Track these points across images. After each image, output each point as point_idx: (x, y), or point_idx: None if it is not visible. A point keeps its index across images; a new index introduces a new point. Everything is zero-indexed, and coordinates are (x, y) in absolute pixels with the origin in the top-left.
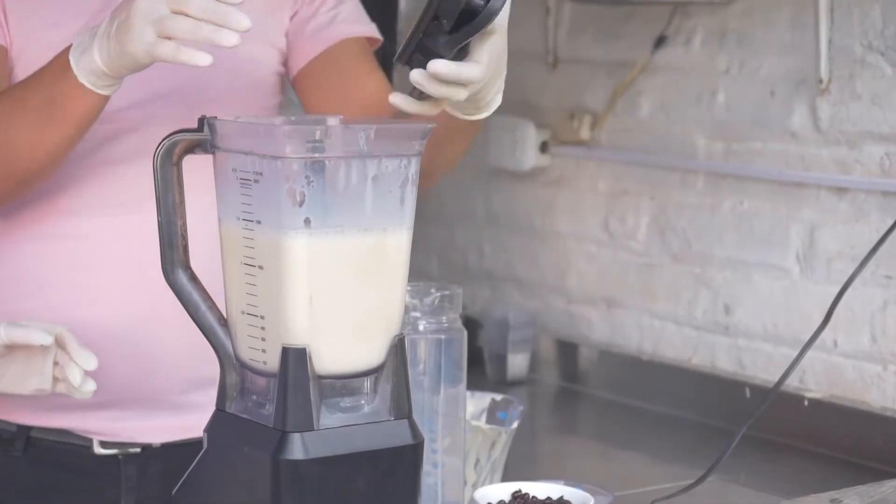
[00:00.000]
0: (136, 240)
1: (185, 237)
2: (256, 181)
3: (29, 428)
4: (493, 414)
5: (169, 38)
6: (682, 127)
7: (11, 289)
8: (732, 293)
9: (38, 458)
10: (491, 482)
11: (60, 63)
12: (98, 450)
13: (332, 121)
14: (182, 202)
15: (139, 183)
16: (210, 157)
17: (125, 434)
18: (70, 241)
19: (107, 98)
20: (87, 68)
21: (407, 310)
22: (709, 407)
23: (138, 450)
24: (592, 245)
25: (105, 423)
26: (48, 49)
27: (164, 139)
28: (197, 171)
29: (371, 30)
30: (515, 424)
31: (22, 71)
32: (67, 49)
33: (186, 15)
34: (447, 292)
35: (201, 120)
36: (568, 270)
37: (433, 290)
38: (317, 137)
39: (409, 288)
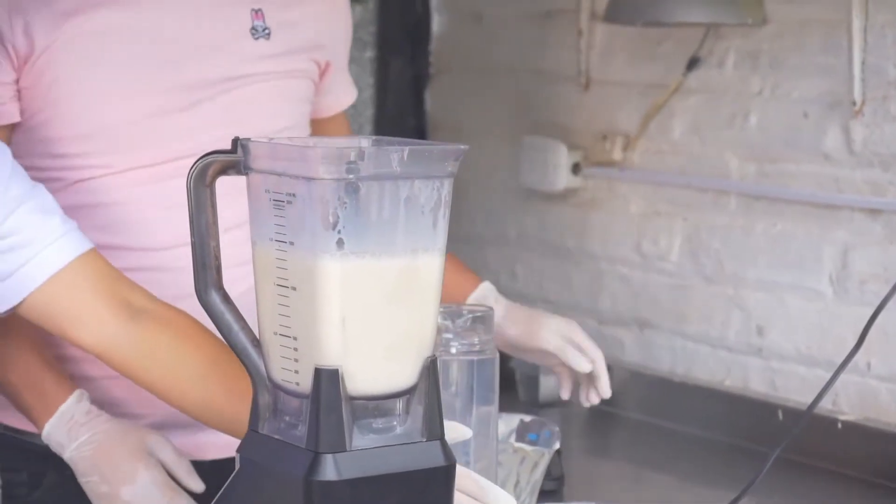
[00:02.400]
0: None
1: (217, 258)
2: (290, 202)
3: None
4: (522, 435)
5: None
6: (714, 148)
7: None
8: (765, 315)
9: None
10: None
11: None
12: None
13: (365, 142)
14: (215, 223)
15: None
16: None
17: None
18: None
19: None
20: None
21: (439, 331)
22: (741, 429)
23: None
24: (625, 266)
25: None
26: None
27: (197, 160)
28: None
29: (353, 94)
30: (557, 445)
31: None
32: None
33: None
34: (479, 314)
35: (235, 141)
36: (600, 292)
37: (465, 312)
38: (351, 159)
39: (441, 309)
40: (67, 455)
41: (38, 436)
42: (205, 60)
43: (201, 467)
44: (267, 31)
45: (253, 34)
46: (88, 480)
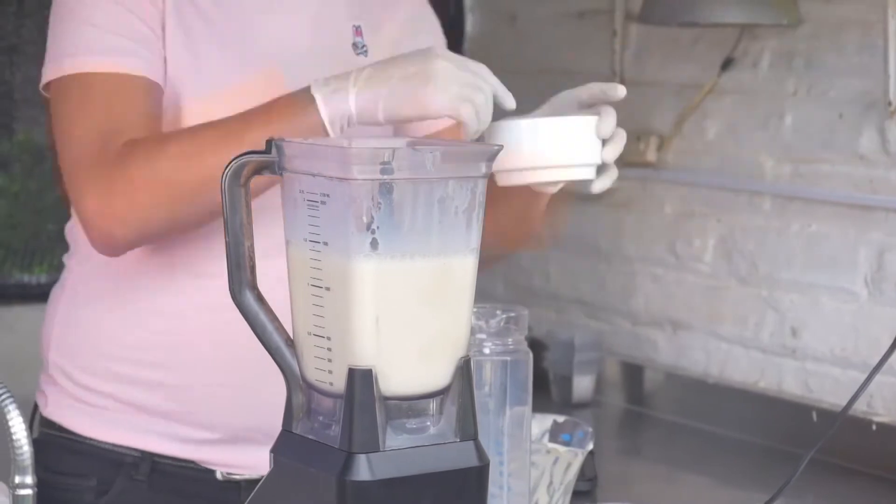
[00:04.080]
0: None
1: (252, 258)
2: (324, 203)
3: (153, 454)
4: (555, 435)
5: (469, 101)
6: (749, 149)
7: (136, 322)
8: (800, 316)
9: (161, 483)
10: None
11: (293, 102)
12: (220, 477)
13: (399, 143)
14: (250, 223)
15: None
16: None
17: (246, 466)
18: (197, 276)
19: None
20: (336, 109)
21: (473, 332)
22: (775, 430)
23: (259, 476)
24: (659, 267)
25: (227, 455)
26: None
27: (232, 160)
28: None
29: None
30: (591, 446)
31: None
32: (300, 92)
33: (481, 89)
34: (513, 314)
35: (269, 142)
36: (634, 293)
37: (499, 312)
38: (384, 159)
39: (475, 310)
40: None
41: (107, 443)
42: (310, 68)
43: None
44: (365, 49)
45: (354, 49)
46: None
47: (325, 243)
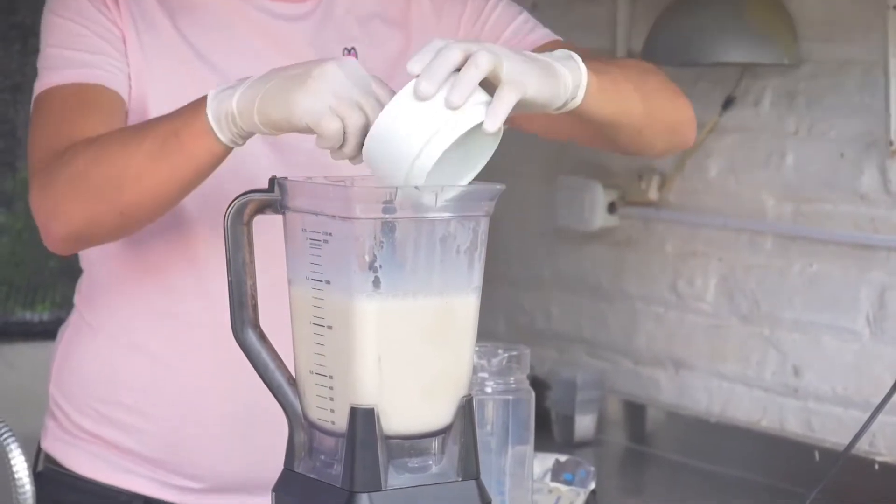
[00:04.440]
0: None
1: (254, 297)
2: (326, 241)
3: (145, 497)
4: (558, 475)
5: (339, 118)
6: (751, 188)
7: (126, 364)
8: (802, 355)
9: None
10: None
11: (197, 100)
12: None
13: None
14: (252, 262)
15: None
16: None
17: None
18: (186, 323)
19: (227, 150)
20: (220, 107)
21: (475, 370)
22: (778, 470)
23: None
24: (660, 306)
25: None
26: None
27: (234, 199)
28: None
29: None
30: (593, 485)
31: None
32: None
33: (364, 112)
34: (515, 353)
35: (272, 180)
36: (636, 331)
37: (501, 351)
38: (387, 199)
39: (476, 349)
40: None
41: (100, 482)
42: None
43: None
44: None
45: None
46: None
47: (328, 282)
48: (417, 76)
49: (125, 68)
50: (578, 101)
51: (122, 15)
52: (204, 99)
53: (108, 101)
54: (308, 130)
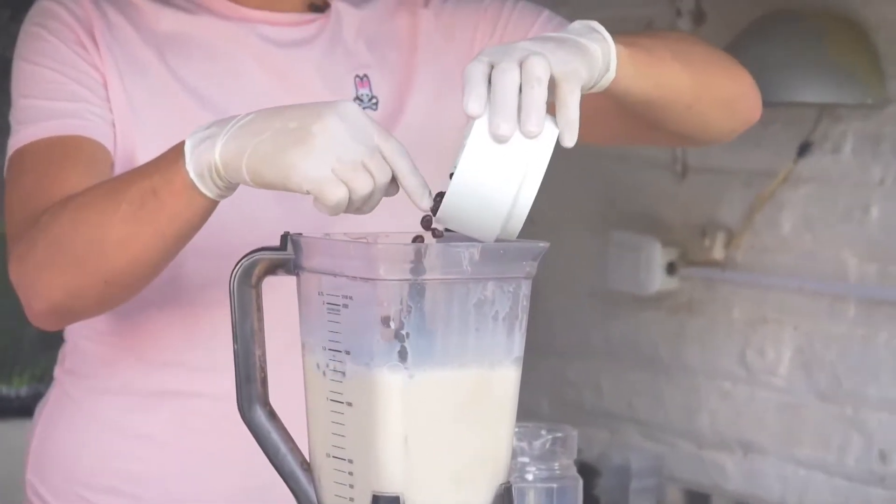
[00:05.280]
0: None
1: (263, 369)
2: (345, 306)
3: None
4: None
5: (343, 183)
6: (830, 246)
7: (118, 447)
8: (890, 438)
9: None
10: None
11: (173, 151)
12: None
13: (429, 239)
14: (261, 330)
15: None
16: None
17: None
18: (187, 400)
19: (214, 203)
20: (201, 160)
21: (514, 454)
22: None
23: None
24: (727, 381)
25: None
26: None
27: (242, 258)
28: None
29: None
30: None
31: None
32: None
33: (371, 175)
34: (560, 435)
35: (284, 237)
36: (698, 410)
37: (544, 433)
38: (414, 258)
39: (516, 429)
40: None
41: None
42: None
43: None
44: (375, 101)
45: (359, 104)
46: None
47: (347, 352)
48: (478, 116)
49: (108, 115)
50: (612, 74)
51: (101, 56)
52: (180, 148)
53: (90, 153)
54: (307, 194)
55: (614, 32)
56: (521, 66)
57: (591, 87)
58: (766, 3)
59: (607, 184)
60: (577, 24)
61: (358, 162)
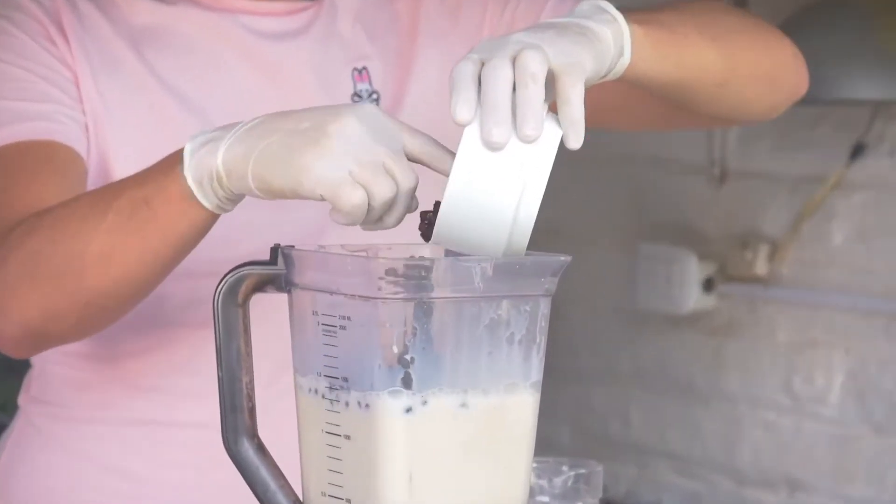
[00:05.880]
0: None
1: (251, 398)
2: (343, 328)
3: None
4: None
5: (362, 186)
6: (886, 260)
7: (91, 482)
8: None
9: None
10: None
11: (171, 156)
12: None
13: (437, 253)
14: (249, 354)
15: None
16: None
17: None
18: (163, 429)
19: (213, 217)
20: (201, 165)
21: (532, 493)
22: None
23: None
24: (771, 411)
25: None
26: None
27: (227, 273)
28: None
29: None
30: None
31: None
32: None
33: (394, 179)
34: (583, 471)
35: (274, 249)
36: (739, 443)
37: (565, 468)
38: (420, 274)
39: (534, 465)
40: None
41: None
42: None
43: None
44: (375, 97)
45: (355, 101)
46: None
47: (345, 379)
48: (468, 122)
49: (80, 117)
50: (627, 59)
51: (72, 51)
52: (179, 154)
53: (63, 159)
54: (321, 199)
55: (635, 9)
56: (513, 61)
57: (604, 76)
58: None
59: (636, 190)
60: (585, 4)
61: (379, 164)
